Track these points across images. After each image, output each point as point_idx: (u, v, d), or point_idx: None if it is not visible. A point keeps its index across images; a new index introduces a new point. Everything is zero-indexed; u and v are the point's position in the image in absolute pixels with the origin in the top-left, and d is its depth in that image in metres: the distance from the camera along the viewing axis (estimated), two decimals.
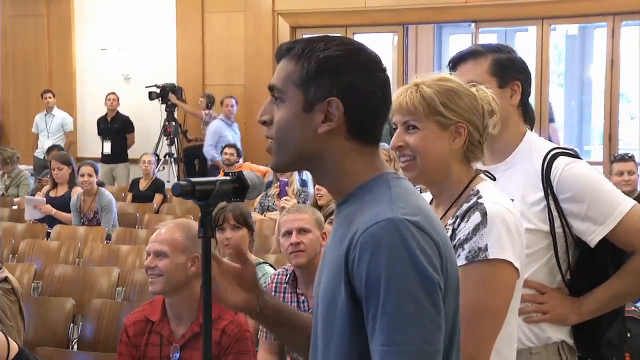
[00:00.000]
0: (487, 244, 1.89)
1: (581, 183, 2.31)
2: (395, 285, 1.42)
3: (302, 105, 1.57)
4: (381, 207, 1.49)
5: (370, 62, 1.59)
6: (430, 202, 2.13)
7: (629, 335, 5.35)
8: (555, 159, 2.35)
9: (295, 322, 1.78)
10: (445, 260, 1.50)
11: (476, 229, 1.91)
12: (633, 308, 5.32)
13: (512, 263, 1.90)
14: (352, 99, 1.55)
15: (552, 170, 2.32)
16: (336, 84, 1.55)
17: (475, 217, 1.93)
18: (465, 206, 1.97)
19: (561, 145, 2.51)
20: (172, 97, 10.51)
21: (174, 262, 3.02)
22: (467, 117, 1.99)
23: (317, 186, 5.29)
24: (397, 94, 2.01)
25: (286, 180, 5.62)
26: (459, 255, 1.92)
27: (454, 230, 1.97)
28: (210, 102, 10.63)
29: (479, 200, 1.96)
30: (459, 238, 1.94)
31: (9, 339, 2.81)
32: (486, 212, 1.92)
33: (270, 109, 1.61)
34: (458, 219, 1.97)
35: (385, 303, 1.42)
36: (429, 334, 1.42)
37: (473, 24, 9.99)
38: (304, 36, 10.33)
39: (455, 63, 2.43)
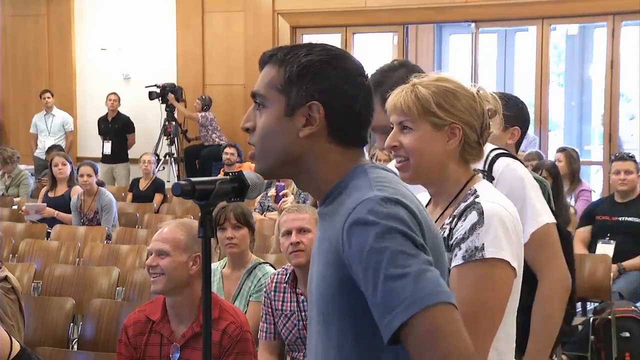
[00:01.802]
0: (483, 243, 1.89)
1: (517, 182, 2.32)
2: (380, 257, 1.43)
3: (284, 109, 1.58)
4: (361, 192, 1.52)
5: (352, 68, 1.61)
6: (428, 203, 2.13)
7: (628, 335, 5.35)
8: (498, 159, 2.40)
9: None
10: (427, 239, 1.51)
11: (473, 228, 1.91)
12: (633, 308, 5.35)
13: (509, 262, 1.91)
14: (333, 103, 1.57)
15: (493, 170, 2.36)
16: (318, 87, 1.57)
17: (472, 217, 1.93)
18: (463, 205, 1.98)
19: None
20: (171, 98, 10.51)
21: (176, 261, 3.02)
22: (463, 117, 1.98)
23: None
24: (394, 94, 2.02)
25: (283, 184, 5.62)
26: (456, 255, 1.92)
27: (451, 229, 1.97)
28: (205, 105, 10.63)
29: (476, 200, 1.96)
30: (456, 237, 1.94)
31: (12, 337, 2.82)
32: (483, 211, 1.92)
33: (253, 115, 1.63)
34: (455, 219, 1.97)
35: (378, 277, 1.43)
36: (430, 278, 1.43)
37: (473, 24, 9.99)
38: (304, 36, 10.40)
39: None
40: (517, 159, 2.46)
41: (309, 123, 1.57)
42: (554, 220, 2.43)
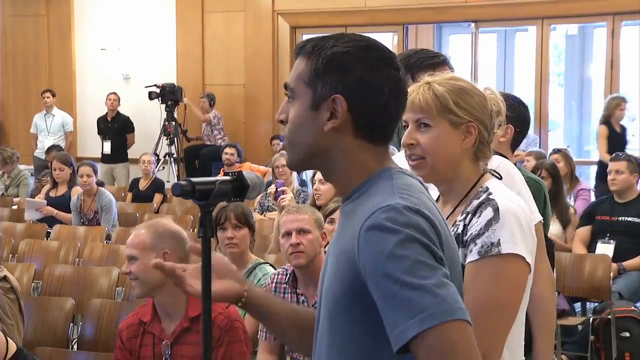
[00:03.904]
0: (499, 239, 1.89)
1: (509, 178, 2.32)
2: (399, 264, 1.42)
3: (310, 103, 1.58)
4: (383, 196, 1.51)
5: (380, 59, 1.58)
6: (437, 200, 2.13)
7: (628, 335, 5.37)
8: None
9: (289, 313, 1.79)
10: (445, 251, 1.50)
11: (488, 224, 1.91)
12: (633, 308, 5.34)
13: (524, 258, 1.91)
14: (357, 96, 1.56)
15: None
16: (342, 80, 1.56)
17: (488, 213, 1.93)
18: (476, 202, 1.98)
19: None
20: (186, 100, 10.49)
21: (144, 263, 3.04)
22: (478, 116, 1.99)
23: (315, 186, 5.28)
24: (409, 92, 2.02)
25: (282, 181, 5.62)
26: (471, 251, 1.91)
27: (465, 226, 1.97)
28: (212, 101, 10.63)
29: (490, 197, 1.96)
30: (471, 233, 1.94)
31: (8, 338, 2.82)
32: (498, 207, 1.93)
33: (286, 108, 1.63)
34: (469, 215, 1.97)
35: (396, 284, 1.41)
36: (447, 292, 1.42)
37: (473, 24, 10.00)
38: (304, 36, 10.40)
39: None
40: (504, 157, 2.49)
41: (333, 117, 1.57)
42: (538, 219, 2.46)
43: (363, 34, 1.65)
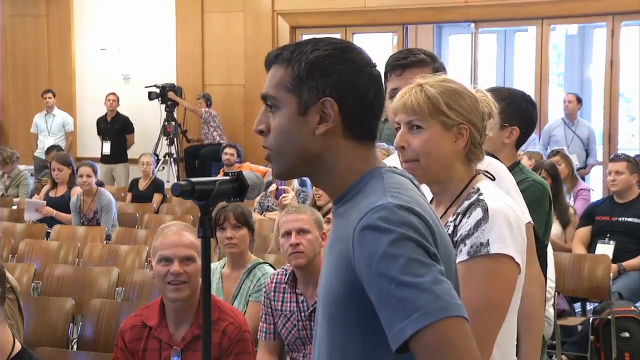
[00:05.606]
0: (488, 239, 1.90)
1: (497, 178, 2.33)
2: (393, 263, 1.41)
3: (297, 109, 1.56)
4: (375, 196, 1.51)
5: (360, 59, 1.59)
6: (431, 201, 2.13)
7: (628, 335, 5.37)
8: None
9: None
10: (439, 247, 1.50)
11: (478, 225, 1.92)
12: (633, 308, 5.34)
13: (513, 258, 1.92)
14: (346, 97, 1.56)
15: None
16: (329, 83, 1.55)
17: (477, 213, 1.94)
18: (466, 203, 1.99)
19: None
20: (171, 94, 10.51)
21: (198, 266, 2.99)
22: (470, 118, 2.00)
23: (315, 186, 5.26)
24: (401, 93, 2.02)
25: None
26: (461, 251, 1.92)
27: (455, 226, 1.97)
28: (209, 101, 10.65)
29: (480, 197, 1.97)
30: (461, 234, 1.95)
31: (15, 337, 2.82)
32: (487, 208, 1.93)
33: (265, 118, 1.61)
34: (459, 216, 1.98)
35: (391, 283, 1.41)
36: (443, 289, 1.42)
37: (473, 24, 10.00)
38: (304, 36, 10.40)
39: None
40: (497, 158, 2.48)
41: (324, 120, 1.55)
42: (531, 220, 2.45)
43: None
